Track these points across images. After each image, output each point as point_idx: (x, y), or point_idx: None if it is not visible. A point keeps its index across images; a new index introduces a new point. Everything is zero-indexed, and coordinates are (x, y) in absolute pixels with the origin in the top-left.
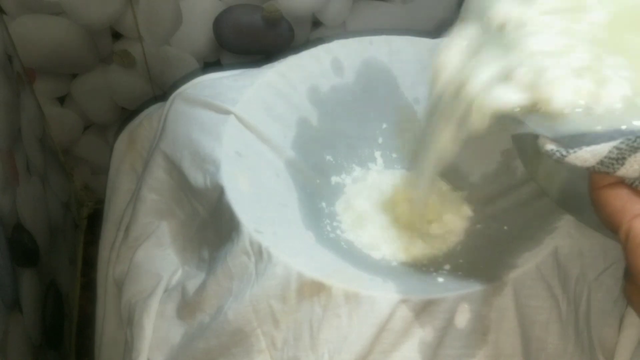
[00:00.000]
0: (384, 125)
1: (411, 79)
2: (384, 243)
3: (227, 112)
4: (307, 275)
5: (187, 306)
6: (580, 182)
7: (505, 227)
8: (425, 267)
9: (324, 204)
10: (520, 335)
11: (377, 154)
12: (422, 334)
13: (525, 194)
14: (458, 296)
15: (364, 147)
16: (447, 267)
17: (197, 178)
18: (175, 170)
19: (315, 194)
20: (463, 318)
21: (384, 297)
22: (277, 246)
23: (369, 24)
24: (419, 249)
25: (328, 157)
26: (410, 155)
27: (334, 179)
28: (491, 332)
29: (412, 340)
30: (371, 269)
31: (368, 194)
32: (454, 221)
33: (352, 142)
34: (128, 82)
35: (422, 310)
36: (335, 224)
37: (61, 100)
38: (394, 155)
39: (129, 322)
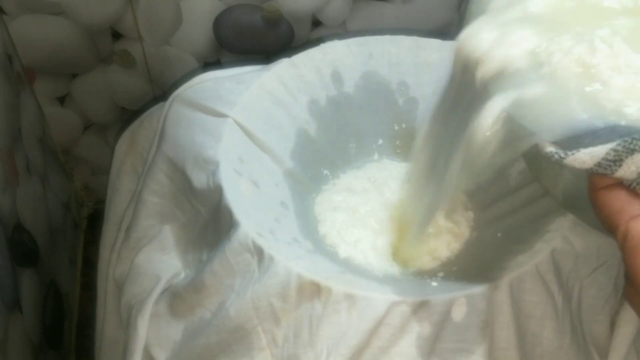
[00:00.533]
0: (380, 141)
1: (410, 94)
2: (379, 256)
3: (225, 117)
4: (306, 277)
5: (184, 302)
6: (582, 183)
7: (499, 234)
8: (419, 275)
9: (320, 217)
10: (515, 329)
11: (373, 170)
12: (419, 329)
13: (519, 200)
14: (453, 296)
15: (360, 162)
16: (440, 274)
17: (200, 179)
18: (178, 173)
19: (312, 207)
20: (460, 312)
21: (381, 298)
22: (278, 249)
23: (369, 24)
24: (414, 261)
25: (325, 171)
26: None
27: (331, 193)
28: (487, 326)
29: (410, 335)
30: (367, 277)
31: (363, 209)
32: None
33: (348, 157)
34: (128, 82)
35: (420, 305)
36: (331, 236)
37: (61, 100)
38: (389, 171)
39: (127, 324)
